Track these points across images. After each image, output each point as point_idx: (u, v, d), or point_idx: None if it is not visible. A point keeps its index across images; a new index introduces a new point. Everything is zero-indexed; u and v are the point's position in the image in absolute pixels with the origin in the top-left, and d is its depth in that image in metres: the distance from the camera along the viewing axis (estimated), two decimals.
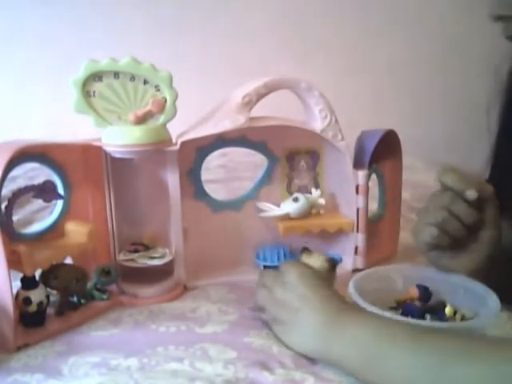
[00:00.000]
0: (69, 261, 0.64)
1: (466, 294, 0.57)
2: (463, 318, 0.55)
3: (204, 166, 0.73)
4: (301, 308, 0.52)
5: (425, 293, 0.58)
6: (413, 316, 0.54)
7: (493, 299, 0.53)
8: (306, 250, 0.65)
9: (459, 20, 1.71)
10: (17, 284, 0.56)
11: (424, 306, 0.57)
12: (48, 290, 0.59)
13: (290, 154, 0.76)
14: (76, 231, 0.62)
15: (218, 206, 0.74)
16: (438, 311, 0.55)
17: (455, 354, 0.42)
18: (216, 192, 0.80)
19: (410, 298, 0.58)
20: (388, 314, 0.51)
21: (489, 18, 0.62)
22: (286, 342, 0.53)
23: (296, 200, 0.73)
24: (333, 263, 0.62)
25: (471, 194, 0.56)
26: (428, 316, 0.54)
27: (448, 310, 0.55)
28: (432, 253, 0.61)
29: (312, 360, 0.51)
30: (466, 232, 0.58)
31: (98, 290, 0.64)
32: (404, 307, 0.56)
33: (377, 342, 0.46)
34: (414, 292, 0.58)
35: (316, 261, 0.61)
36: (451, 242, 0.59)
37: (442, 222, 0.57)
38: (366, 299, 0.54)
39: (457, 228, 0.57)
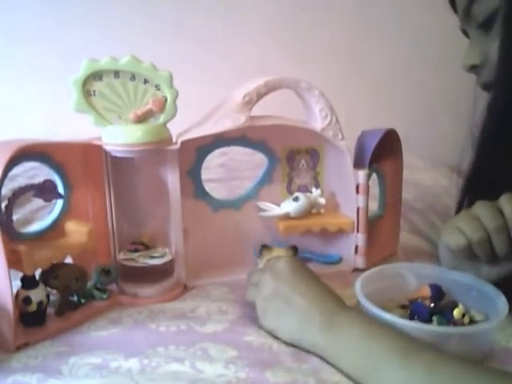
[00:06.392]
0: (69, 260, 0.64)
1: (478, 296, 0.56)
2: (472, 320, 0.54)
3: (204, 165, 0.72)
4: (294, 298, 0.53)
5: (437, 292, 0.58)
6: (419, 316, 0.54)
7: (502, 301, 0.52)
8: (265, 246, 0.69)
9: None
10: (17, 283, 0.56)
11: (435, 305, 0.56)
12: (48, 289, 0.59)
13: (290, 154, 0.75)
14: (76, 231, 0.62)
15: (218, 206, 0.74)
16: (445, 312, 0.55)
17: (442, 373, 0.42)
18: (216, 191, 0.80)
19: (422, 297, 0.58)
20: (389, 316, 0.51)
21: (463, 69, 0.66)
22: (275, 332, 0.54)
23: (296, 199, 0.73)
24: (294, 250, 0.64)
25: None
26: (435, 318, 0.53)
27: (456, 312, 0.54)
28: (447, 253, 0.61)
29: (310, 357, 0.51)
30: (492, 259, 0.57)
31: (98, 289, 0.64)
32: (413, 306, 0.56)
33: (367, 352, 0.46)
34: (427, 291, 0.58)
35: (278, 254, 0.63)
36: (472, 259, 0.58)
37: (475, 241, 0.56)
38: (377, 296, 0.54)
39: (485, 254, 0.56)
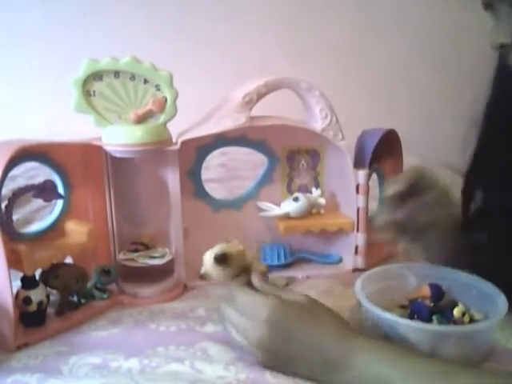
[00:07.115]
0: (69, 260, 0.64)
1: (478, 295, 0.56)
2: (472, 319, 0.54)
3: (204, 165, 0.72)
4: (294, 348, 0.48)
5: (437, 292, 0.58)
6: (420, 315, 0.54)
7: (501, 300, 0.52)
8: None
9: (460, 20, 1.71)
10: (17, 283, 0.56)
11: (435, 305, 0.56)
12: (48, 289, 0.59)
13: (290, 154, 0.75)
14: (76, 231, 0.62)
15: (218, 206, 0.74)
16: (445, 312, 0.55)
17: None
18: (216, 191, 0.80)
19: (422, 297, 0.58)
20: (389, 316, 0.51)
21: (491, 47, 0.61)
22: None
23: (296, 200, 0.73)
24: (222, 256, 0.54)
25: (388, 192, 0.58)
26: (435, 317, 0.53)
27: (456, 311, 0.54)
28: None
29: None
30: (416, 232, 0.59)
31: (98, 289, 0.64)
32: (413, 306, 0.56)
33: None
34: (427, 290, 0.58)
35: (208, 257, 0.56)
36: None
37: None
38: (377, 296, 0.54)
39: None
